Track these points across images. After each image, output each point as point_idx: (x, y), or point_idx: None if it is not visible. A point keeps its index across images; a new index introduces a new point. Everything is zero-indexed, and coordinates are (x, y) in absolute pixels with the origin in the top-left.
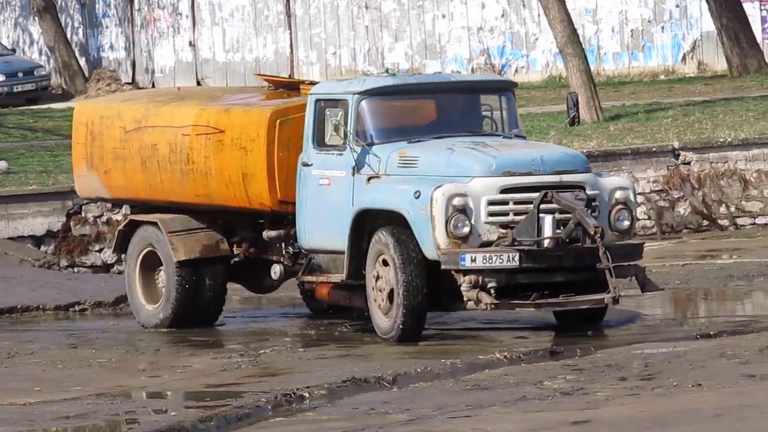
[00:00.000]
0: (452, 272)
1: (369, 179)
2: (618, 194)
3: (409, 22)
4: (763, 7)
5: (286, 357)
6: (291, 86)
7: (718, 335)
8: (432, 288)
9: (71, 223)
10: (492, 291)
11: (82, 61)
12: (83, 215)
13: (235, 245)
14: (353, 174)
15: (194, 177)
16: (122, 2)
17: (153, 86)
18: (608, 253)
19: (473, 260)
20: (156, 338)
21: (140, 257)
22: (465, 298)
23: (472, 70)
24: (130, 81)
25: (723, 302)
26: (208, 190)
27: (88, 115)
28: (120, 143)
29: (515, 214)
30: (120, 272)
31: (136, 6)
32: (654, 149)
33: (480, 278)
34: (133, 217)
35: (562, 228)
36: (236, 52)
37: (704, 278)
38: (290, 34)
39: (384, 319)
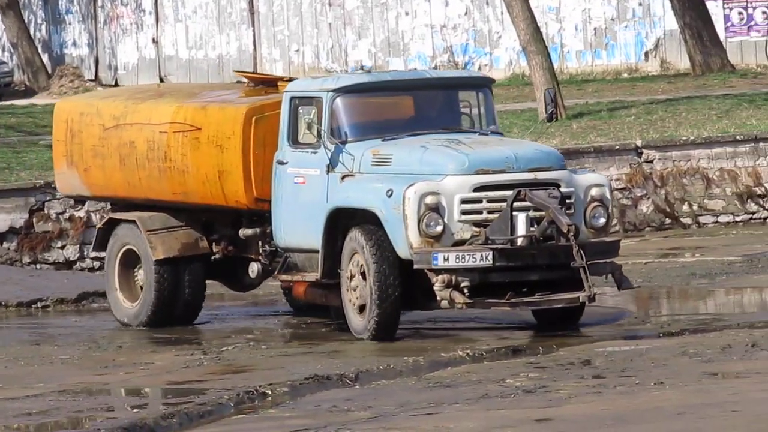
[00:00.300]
0: (426, 271)
1: (343, 177)
2: (594, 191)
3: (372, 20)
4: (726, 6)
5: (249, 354)
6: (270, 83)
7: (680, 333)
8: (408, 287)
9: (34, 220)
10: (466, 290)
11: (45, 58)
12: (46, 212)
13: (214, 243)
14: (328, 172)
15: (171, 175)
16: None
17: (116, 83)
18: (582, 251)
19: (446, 259)
20: (118, 335)
21: (119, 255)
22: (438, 298)
23: (436, 68)
24: (93, 78)
25: (685, 301)
26: (185, 188)
27: (69, 111)
28: (99, 141)
29: (489, 213)
30: (82, 269)
31: (99, 3)
32: (617, 147)
33: (453, 277)
34: (113, 215)
35: (536, 226)
36: (199, 49)
37: (667, 276)
38: (253, 31)
39: (358, 318)
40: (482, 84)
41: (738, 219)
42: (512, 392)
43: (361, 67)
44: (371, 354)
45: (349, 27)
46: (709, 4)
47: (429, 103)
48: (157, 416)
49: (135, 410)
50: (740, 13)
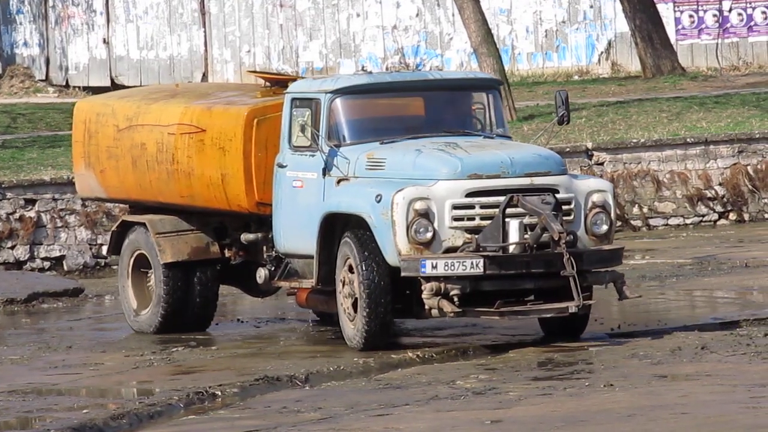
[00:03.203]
0: (420, 279)
1: (339, 181)
2: (595, 197)
3: (323, 21)
4: (676, 9)
5: (199, 355)
6: (284, 83)
7: (630, 336)
8: (402, 295)
9: None
10: (456, 299)
11: None
12: None
13: (226, 248)
14: (324, 176)
15: (178, 177)
16: None
17: (66, 84)
18: (573, 260)
19: (434, 267)
20: (68, 336)
21: (132, 259)
22: (426, 306)
23: (386, 69)
24: (44, 78)
25: (635, 303)
26: (191, 191)
27: (86, 112)
28: (113, 142)
29: (482, 219)
30: (32, 269)
31: (51, 3)
32: (567, 149)
33: (443, 285)
34: (125, 217)
35: (530, 233)
36: (150, 50)
37: None
38: (204, 31)
39: (350, 325)
40: (489, 85)
41: (688, 221)
42: (462, 394)
43: (362, 68)
44: (321, 355)
45: (300, 28)
46: (660, 7)
47: (431, 106)
48: (106, 417)
49: (84, 411)
50: (691, 16)
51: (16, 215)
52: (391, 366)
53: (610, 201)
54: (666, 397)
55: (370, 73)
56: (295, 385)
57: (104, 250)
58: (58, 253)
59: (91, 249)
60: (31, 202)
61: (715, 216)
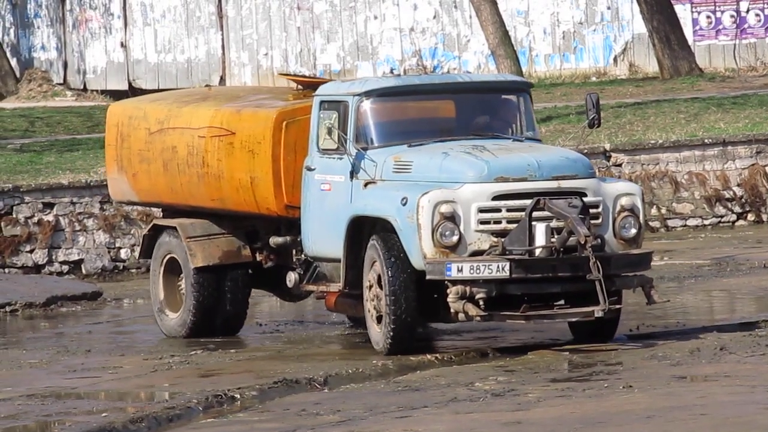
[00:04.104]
0: (446, 283)
1: (366, 184)
2: (623, 200)
3: (341, 24)
4: (694, 9)
5: (218, 358)
6: (316, 86)
7: (649, 337)
8: (428, 298)
9: (2, 224)
10: (481, 302)
11: (14, 62)
12: (14, 216)
13: (257, 252)
14: (351, 179)
15: (209, 181)
16: (54, 3)
17: (84, 87)
18: (599, 264)
19: (459, 270)
20: (87, 339)
21: (163, 263)
22: (452, 310)
23: (404, 72)
24: (62, 81)
25: (654, 304)
26: (221, 194)
27: (119, 115)
28: (145, 145)
29: (509, 222)
30: (51, 273)
31: (68, 6)
32: (585, 151)
33: (468, 288)
34: (157, 221)
35: (557, 236)
36: (168, 53)
37: None
38: (222, 34)
39: (376, 329)
40: (520, 88)
41: (706, 222)
42: (481, 396)
43: (391, 70)
44: (340, 358)
45: (317, 31)
46: (678, 8)
47: (460, 108)
48: (125, 420)
49: (104, 414)
50: (708, 17)
51: (35, 219)
52: (410, 368)
53: (639, 204)
54: (685, 398)
55: (399, 75)
56: (314, 388)
57: (122, 253)
58: (76, 257)
59: (109, 252)
60: (49, 205)
61: (734, 217)
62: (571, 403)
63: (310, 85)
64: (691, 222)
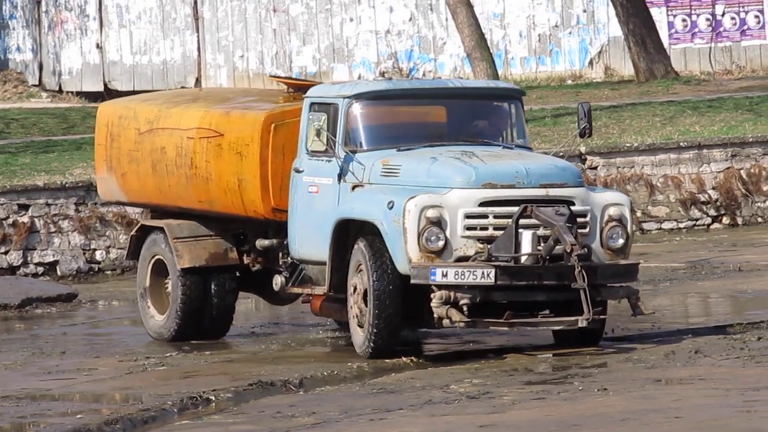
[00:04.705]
0: (432, 287)
1: (353, 188)
2: (611, 210)
3: (317, 26)
4: (669, 13)
5: (192, 360)
6: (307, 89)
7: (623, 340)
8: (413, 303)
9: None
10: (465, 308)
11: None
12: None
13: (244, 254)
14: (339, 182)
15: (197, 182)
16: (29, 4)
17: (60, 89)
18: (585, 273)
19: (444, 275)
20: (62, 341)
21: (150, 264)
22: (435, 315)
23: (381, 74)
24: (37, 83)
25: (629, 307)
26: (209, 196)
27: (109, 115)
28: (134, 145)
29: (495, 229)
30: (26, 275)
31: (44, 8)
32: (561, 154)
33: (452, 294)
34: (144, 222)
35: (543, 244)
36: (144, 55)
37: None
38: (198, 36)
39: (359, 332)
40: (511, 96)
41: (681, 225)
42: (456, 398)
43: (382, 74)
44: (315, 360)
45: (293, 33)
46: (653, 11)
47: (450, 114)
48: (100, 422)
49: (78, 416)
50: (684, 20)
51: (9, 221)
52: (385, 371)
53: (627, 215)
54: (660, 401)
55: (390, 79)
56: (289, 390)
57: (98, 255)
58: (51, 259)
59: (84, 254)
60: (24, 207)
61: (709, 220)
62: (546, 405)
63: (300, 87)
64: (667, 225)
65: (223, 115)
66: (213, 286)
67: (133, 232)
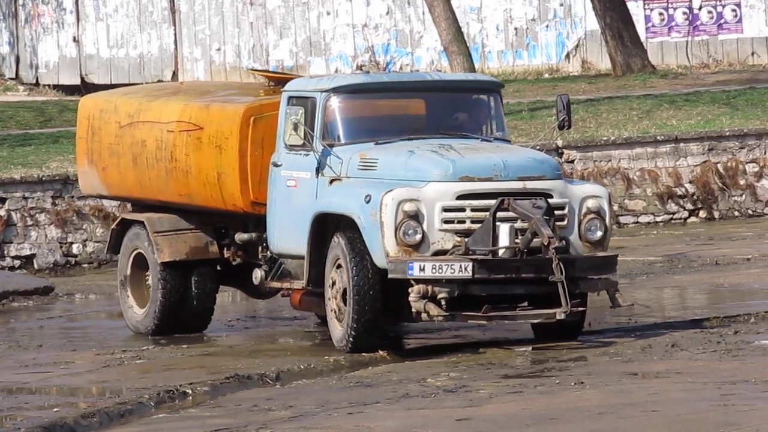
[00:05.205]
0: (411, 282)
1: (331, 181)
2: (590, 203)
3: (293, 19)
4: (646, 6)
5: (169, 353)
6: (286, 82)
7: (600, 333)
8: (392, 297)
9: None
10: (443, 302)
11: None
12: None
13: (225, 248)
14: (317, 176)
15: (177, 176)
16: None
17: (37, 82)
18: (562, 265)
19: (422, 269)
20: (39, 334)
21: (131, 258)
22: (413, 310)
23: (358, 68)
24: (14, 76)
25: (605, 300)
26: (189, 190)
27: (90, 108)
28: (115, 139)
29: (473, 222)
30: (2, 268)
31: (20, 1)
32: (537, 148)
33: (430, 288)
34: (125, 215)
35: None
36: (120, 48)
37: None
38: (174, 30)
39: (338, 327)
40: (490, 88)
41: (658, 219)
42: (433, 392)
43: (360, 67)
44: (292, 353)
45: (270, 26)
46: (630, 5)
47: (429, 107)
48: (77, 415)
49: (55, 409)
50: (661, 14)
51: None
52: (362, 364)
53: (606, 207)
54: (636, 395)
55: (368, 72)
56: (266, 384)
57: (74, 248)
58: (28, 252)
59: (61, 247)
60: (0, 200)
61: (686, 214)
62: (522, 399)
63: (280, 80)
64: (643, 219)
65: (203, 108)
66: (193, 280)
67: (113, 226)
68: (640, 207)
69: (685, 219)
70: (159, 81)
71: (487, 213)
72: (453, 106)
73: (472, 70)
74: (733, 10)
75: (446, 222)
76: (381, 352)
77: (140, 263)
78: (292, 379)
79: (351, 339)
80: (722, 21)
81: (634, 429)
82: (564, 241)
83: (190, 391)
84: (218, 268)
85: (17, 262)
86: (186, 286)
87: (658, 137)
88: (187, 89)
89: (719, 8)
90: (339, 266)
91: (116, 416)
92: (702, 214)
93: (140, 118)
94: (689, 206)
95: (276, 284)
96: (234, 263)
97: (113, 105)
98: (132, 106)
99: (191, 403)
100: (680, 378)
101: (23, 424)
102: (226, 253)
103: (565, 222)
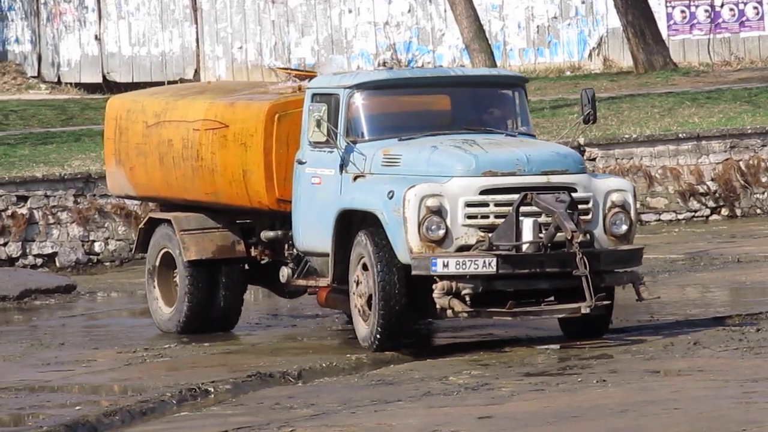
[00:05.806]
0: (432, 278)
1: (355, 178)
2: (614, 196)
3: (315, 17)
4: (668, 4)
5: (191, 352)
6: (311, 79)
7: (622, 331)
8: (418, 294)
9: None
10: (467, 298)
11: None
12: None
13: (252, 247)
14: (341, 172)
15: (203, 174)
16: None
17: (59, 80)
18: (586, 259)
19: (445, 265)
20: (61, 333)
21: (159, 257)
22: (438, 306)
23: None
24: (36, 74)
25: (627, 298)
26: (215, 188)
27: (118, 109)
28: (142, 138)
29: (497, 217)
30: (24, 266)
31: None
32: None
33: (454, 284)
34: (152, 214)
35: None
36: (142, 46)
37: None
38: (196, 28)
39: (363, 326)
40: (514, 83)
41: (680, 217)
42: (455, 390)
43: (383, 63)
44: (314, 351)
45: (292, 24)
46: (652, 3)
47: (453, 102)
48: (99, 413)
49: (77, 407)
50: (683, 12)
51: (8, 212)
52: (384, 362)
53: (630, 201)
54: (658, 393)
55: (391, 68)
56: (288, 382)
57: (96, 247)
58: (50, 250)
59: (83, 246)
60: (23, 198)
61: (707, 211)
62: (544, 397)
63: (306, 77)
64: (665, 216)
65: (228, 107)
66: (221, 279)
67: (141, 225)
68: (662, 205)
69: (707, 217)
70: (180, 79)
71: (510, 208)
72: (477, 102)
73: (494, 67)
74: (755, 8)
75: (469, 217)
76: (402, 350)
77: (168, 262)
78: (314, 377)
79: (376, 337)
80: (744, 18)
81: (655, 426)
82: (588, 235)
83: (212, 389)
84: (246, 267)
85: (39, 261)
86: (214, 284)
87: (680, 135)
88: (213, 88)
89: (741, 6)
90: (363, 264)
91: (138, 414)
92: (724, 211)
93: (166, 118)
94: (711, 204)
95: (302, 282)
96: (262, 262)
97: (140, 105)
98: (159, 106)
99: (213, 401)
100: (702, 376)
101: (45, 422)
102: (253, 252)
103: (589, 216)
